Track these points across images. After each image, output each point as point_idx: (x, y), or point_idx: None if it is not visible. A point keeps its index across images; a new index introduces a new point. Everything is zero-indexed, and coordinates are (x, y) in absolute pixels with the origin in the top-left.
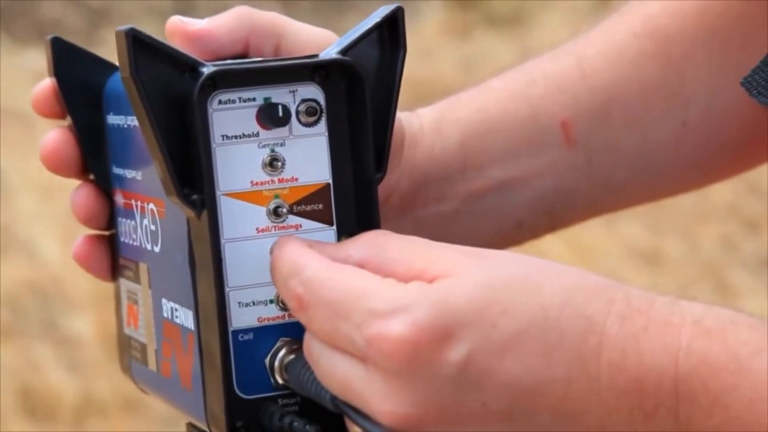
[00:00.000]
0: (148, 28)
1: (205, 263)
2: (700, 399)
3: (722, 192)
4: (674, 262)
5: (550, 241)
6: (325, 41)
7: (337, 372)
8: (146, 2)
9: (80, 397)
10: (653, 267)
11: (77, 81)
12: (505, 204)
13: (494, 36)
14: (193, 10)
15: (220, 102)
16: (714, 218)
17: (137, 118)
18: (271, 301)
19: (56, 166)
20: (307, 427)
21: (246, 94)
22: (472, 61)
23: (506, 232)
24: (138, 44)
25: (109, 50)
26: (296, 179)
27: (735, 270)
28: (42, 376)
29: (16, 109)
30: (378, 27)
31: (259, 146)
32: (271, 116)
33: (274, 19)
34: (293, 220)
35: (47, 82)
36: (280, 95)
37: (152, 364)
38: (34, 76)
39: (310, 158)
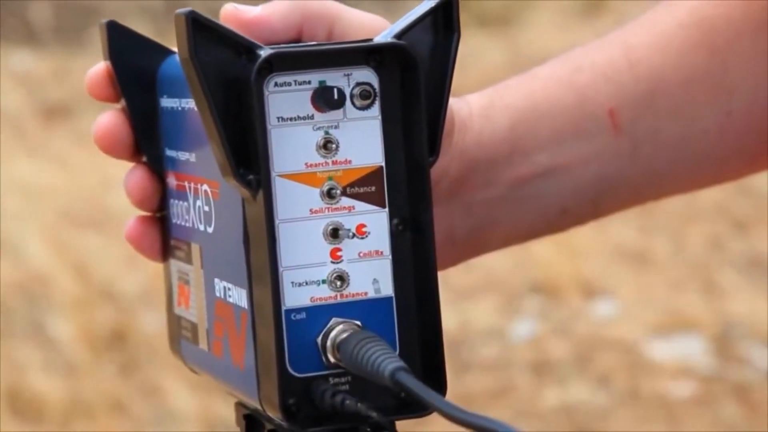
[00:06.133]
0: (138, 28)
1: (260, 243)
2: None
3: (710, 192)
4: (663, 262)
5: (539, 241)
6: (376, 27)
7: None
8: (136, 2)
9: (67, 398)
10: (642, 267)
11: (131, 64)
12: (550, 190)
13: (484, 36)
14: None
15: (276, 84)
16: (702, 218)
17: (195, 99)
18: (324, 281)
19: (109, 148)
20: (359, 404)
21: (301, 77)
22: (462, 61)
23: (551, 218)
24: (197, 26)
25: (98, 49)
26: (350, 161)
27: (723, 270)
28: (29, 377)
29: (5, 111)
30: (432, 11)
31: (313, 128)
32: (326, 99)
33: (326, 5)
34: (346, 201)
35: (102, 66)
36: (335, 78)
37: (203, 344)
38: (23, 77)
39: (363, 141)
